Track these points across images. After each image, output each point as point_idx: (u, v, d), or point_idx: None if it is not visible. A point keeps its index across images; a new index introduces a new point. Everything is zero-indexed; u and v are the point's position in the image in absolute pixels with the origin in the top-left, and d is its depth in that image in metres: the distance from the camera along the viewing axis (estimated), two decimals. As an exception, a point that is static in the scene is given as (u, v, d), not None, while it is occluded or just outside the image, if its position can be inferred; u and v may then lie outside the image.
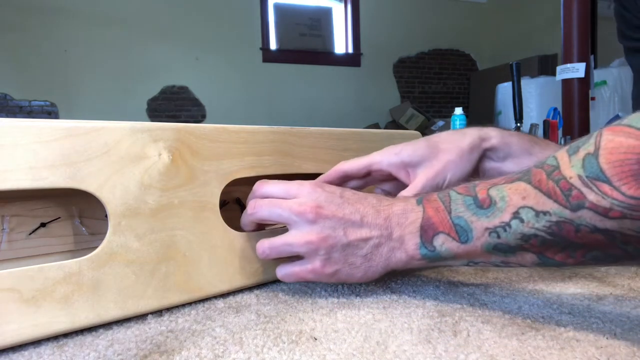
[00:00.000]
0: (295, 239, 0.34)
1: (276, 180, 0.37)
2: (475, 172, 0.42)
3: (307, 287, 0.39)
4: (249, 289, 0.39)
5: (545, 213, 0.27)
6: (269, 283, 0.41)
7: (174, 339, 0.29)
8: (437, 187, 0.39)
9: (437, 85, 4.44)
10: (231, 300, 0.37)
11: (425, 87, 4.41)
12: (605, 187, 0.24)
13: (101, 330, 0.31)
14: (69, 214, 0.37)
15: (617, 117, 1.19)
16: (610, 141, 0.24)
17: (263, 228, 0.41)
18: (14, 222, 0.34)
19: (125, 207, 0.32)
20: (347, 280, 0.35)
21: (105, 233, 0.31)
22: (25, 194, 0.34)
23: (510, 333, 0.29)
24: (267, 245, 0.36)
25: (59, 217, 0.36)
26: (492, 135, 0.41)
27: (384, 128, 3.98)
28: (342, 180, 0.43)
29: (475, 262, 0.33)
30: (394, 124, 4.03)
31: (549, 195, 0.27)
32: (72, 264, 0.29)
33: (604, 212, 0.24)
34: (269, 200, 0.36)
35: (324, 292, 0.38)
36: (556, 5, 1.80)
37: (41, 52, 3.25)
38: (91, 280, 0.30)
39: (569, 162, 0.26)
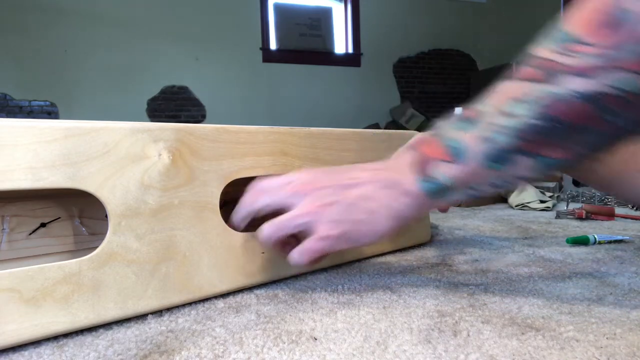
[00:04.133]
0: (296, 211, 0.34)
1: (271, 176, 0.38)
2: None
3: (307, 287, 0.39)
4: (249, 289, 0.39)
5: (531, 98, 0.27)
6: (269, 283, 0.41)
7: (174, 339, 0.29)
8: None
9: (437, 85, 4.44)
10: (231, 300, 0.37)
11: (425, 87, 4.41)
12: (577, 47, 0.25)
13: (101, 330, 0.31)
14: (69, 214, 0.37)
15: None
16: (577, 11, 0.26)
17: (253, 227, 0.41)
18: (14, 222, 0.34)
19: (125, 207, 0.32)
20: (357, 238, 0.34)
21: (105, 233, 0.31)
22: (25, 194, 0.34)
23: (510, 333, 0.29)
24: (267, 226, 0.35)
25: (59, 217, 0.36)
26: None
27: (384, 128, 3.98)
28: None
29: (475, 189, 0.32)
30: (394, 124, 4.03)
31: (531, 80, 0.27)
32: (72, 264, 0.29)
33: (582, 71, 0.25)
34: (267, 190, 0.36)
35: (324, 292, 0.38)
36: (556, 5, 1.80)
37: (41, 52, 3.25)
38: (91, 280, 0.30)
39: (542, 46, 0.28)
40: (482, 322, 0.30)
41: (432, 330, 0.29)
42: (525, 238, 0.60)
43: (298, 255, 0.34)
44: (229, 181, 0.38)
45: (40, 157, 0.28)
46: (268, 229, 0.35)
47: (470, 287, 0.39)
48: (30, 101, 3.28)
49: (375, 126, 3.96)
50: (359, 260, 0.49)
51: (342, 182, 0.34)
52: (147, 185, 0.33)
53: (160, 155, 0.33)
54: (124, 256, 0.31)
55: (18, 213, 0.35)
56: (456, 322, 0.31)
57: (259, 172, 0.40)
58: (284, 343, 0.28)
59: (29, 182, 0.28)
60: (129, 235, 0.32)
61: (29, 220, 0.35)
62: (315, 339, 0.28)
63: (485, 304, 0.34)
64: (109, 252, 0.31)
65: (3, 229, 0.34)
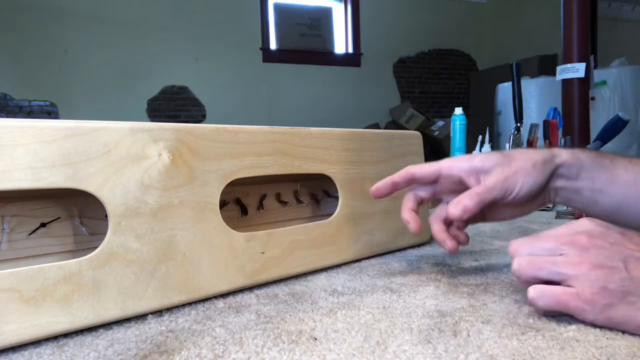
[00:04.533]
0: (563, 259, 0.30)
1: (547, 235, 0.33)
2: (547, 193, 0.40)
3: (307, 287, 0.39)
4: (249, 289, 0.39)
5: None
6: (269, 283, 0.41)
7: (174, 339, 0.29)
8: (507, 191, 0.38)
9: (437, 85, 4.44)
10: (231, 300, 0.37)
11: (425, 87, 4.41)
12: None
13: (101, 330, 0.31)
14: (69, 214, 0.37)
15: (617, 117, 1.18)
16: None
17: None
18: (14, 222, 0.34)
19: (125, 207, 0.32)
20: (622, 321, 0.28)
21: (105, 233, 0.31)
22: (25, 194, 0.34)
23: (510, 333, 0.29)
24: (524, 262, 0.31)
25: (59, 217, 0.36)
26: (562, 152, 0.40)
27: (384, 128, 3.98)
28: (409, 183, 0.43)
29: None
30: (394, 124, 4.03)
31: None
32: (72, 264, 0.29)
33: None
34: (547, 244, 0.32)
35: (324, 292, 0.38)
36: (556, 5, 1.80)
37: (41, 52, 3.25)
38: (91, 280, 0.30)
39: None
40: (482, 322, 0.30)
41: (432, 330, 0.29)
42: (525, 238, 0.60)
43: (537, 294, 0.30)
44: (229, 181, 0.38)
45: (40, 157, 0.28)
46: (522, 266, 0.31)
47: (470, 287, 0.39)
48: (30, 101, 3.28)
49: (375, 126, 3.96)
50: (359, 260, 0.49)
51: (629, 250, 0.29)
52: (147, 185, 0.33)
53: (160, 155, 0.33)
54: (124, 256, 0.31)
55: (18, 213, 0.35)
56: (456, 322, 0.31)
57: (259, 172, 0.40)
58: (284, 343, 0.28)
59: (29, 182, 0.28)
60: (129, 235, 0.32)
61: (29, 220, 0.35)
62: (315, 339, 0.28)
63: (485, 304, 0.34)
64: (109, 252, 0.31)
65: (3, 229, 0.34)
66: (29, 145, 0.28)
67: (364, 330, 0.30)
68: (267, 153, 0.40)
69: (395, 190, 0.43)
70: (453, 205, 0.38)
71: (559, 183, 0.40)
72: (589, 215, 0.40)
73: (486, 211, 0.42)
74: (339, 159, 0.47)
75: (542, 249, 0.31)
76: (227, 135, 0.38)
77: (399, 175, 0.43)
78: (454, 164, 0.41)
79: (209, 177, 0.36)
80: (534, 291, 0.30)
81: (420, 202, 0.43)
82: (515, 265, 0.32)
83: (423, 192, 0.43)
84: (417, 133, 0.57)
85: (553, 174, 0.40)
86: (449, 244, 0.41)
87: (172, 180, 0.34)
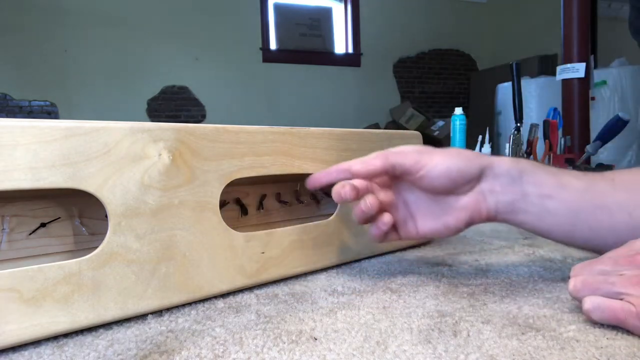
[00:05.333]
0: (621, 279, 0.28)
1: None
2: (481, 195, 0.38)
3: (307, 287, 0.39)
4: (249, 289, 0.39)
5: None
6: (269, 283, 0.41)
7: (174, 339, 0.29)
8: (418, 163, 0.37)
9: (437, 85, 4.44)
10: (231, 300, 0.37)
11: (425, 87, 4.41)
12: None
13: (101, 330, 0.31)
14: (69, 214, 0.37)
15: (617, 117, 1.19)
16: None
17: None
18: (14, 222, 0.34)
19: (125, 207, 0.32)
20: None
21: (105, 233, 0.31)
22: (25, 194, 0.34)
23: (510, 333, 0.29)
24: (579, 282, 0.30)
25: (59, 217, 0.36)
26: (502, 157, 0.38)
27: (384, 128, 3.98)
28: (344, 174, 0.40)
29: None
30: (394, 124, 4.03)
31: None
32: (72, 264, 0.29)
33: None
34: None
35: (324, 292, 0.38)
36: (556, 5, 1.80)
37: (41, 52, 3.25)
38: (91, 280, 0.30)
39: None
40: (482, 322, 0.30)
41: (432, 330, 0.29)
42: (526, 238, 0.60)
43: (592, 307, 0.29)
44: (229, 181, 0.38)
45: (40, 157, 0.28)
46: (577, 287, 0.30)
47: (470, 287, 0.39)
48: (30, 101, 3.28)
49: (375, 126, 3.96)
50: (358, 260, 0.49)
51: None
52: (147, 185, 0.33)
53: (160, 155, 0.33)
54: (124, 256, 0.31)
55: (18, 213, 0.35)
56: (456, 322, 0.31)
57: (259, 172, 0.40)
58: (284, 343, 0.28)
59: (29, 182, 0.28)
60: (129, 235, 0.32)
61: (29, 220, 0.35)
62: (315, 339, 0.28)
63: (485, 304, 0.34)
64: (109, 252, 0.31)
65: (3, 229, 0.34)
66: (29, 145, 0.28)
67: (364, 330, 0.30)
68: (267, 153, 0.40)
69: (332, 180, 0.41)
70: (359, 160, 0.38)
71: (498, 186, 0.37)
72: (545, 235, 0.39)
73: (416, 215, 0.41)
74: (339, 159, 0.47)
75: (599, 271, 0.30)
76: (227, 135, 0.38)
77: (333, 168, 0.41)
78: (380, 152, 0.40)
79: (209, 177, 0.36)
80: (590, 303, 0.29)
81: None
82: (571, 286, 0.30)
83: (359, 182, 0.40)
84: (417, 133, 0.57)
85: (484, 171, 0.37)
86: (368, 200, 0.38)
87: (172, 180, 0.34)
